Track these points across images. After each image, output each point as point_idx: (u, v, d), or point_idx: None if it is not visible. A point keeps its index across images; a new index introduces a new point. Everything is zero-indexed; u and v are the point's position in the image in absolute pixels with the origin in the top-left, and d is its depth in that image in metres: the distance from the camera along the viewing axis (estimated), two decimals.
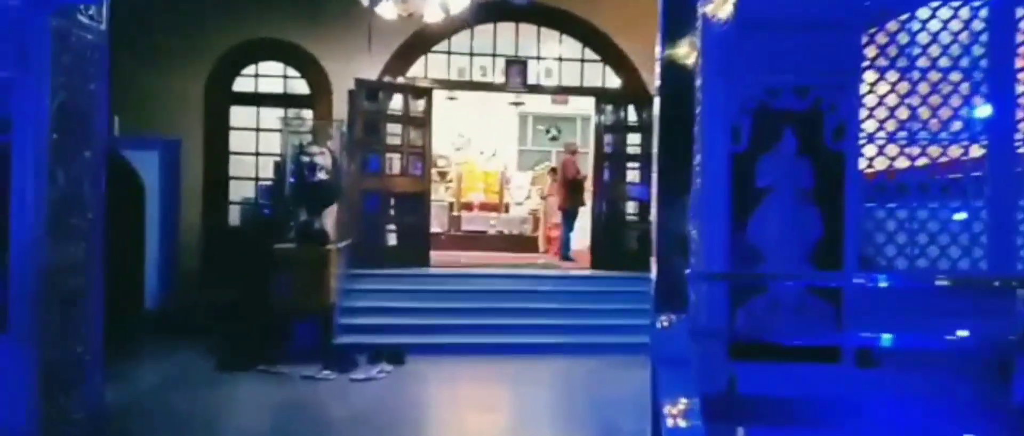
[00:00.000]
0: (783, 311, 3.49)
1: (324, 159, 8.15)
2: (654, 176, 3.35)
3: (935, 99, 3.51)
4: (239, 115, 10.16)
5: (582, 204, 11.12)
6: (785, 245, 3.37)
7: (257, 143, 10.17)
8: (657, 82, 3.09)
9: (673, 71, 2.74)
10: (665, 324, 3.16)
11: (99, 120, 4.71)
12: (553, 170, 13.12)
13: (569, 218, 11.32)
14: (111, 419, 4.96)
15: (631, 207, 10.50)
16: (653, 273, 3.15)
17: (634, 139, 10.35)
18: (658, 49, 2.81)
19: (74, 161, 4.40)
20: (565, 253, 11.17)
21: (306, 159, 8.11)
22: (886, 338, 2.57)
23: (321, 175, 8.06)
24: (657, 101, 3.44)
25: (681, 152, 3.09)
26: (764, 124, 3.28)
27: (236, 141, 10.13)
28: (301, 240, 7.94)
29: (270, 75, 10.24)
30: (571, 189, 11.18)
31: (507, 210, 14.86)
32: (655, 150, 3.18)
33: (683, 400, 2.87)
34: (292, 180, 8.44)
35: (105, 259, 4.95)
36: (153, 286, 9.23)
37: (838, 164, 3.36)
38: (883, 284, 2.97)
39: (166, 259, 9.59)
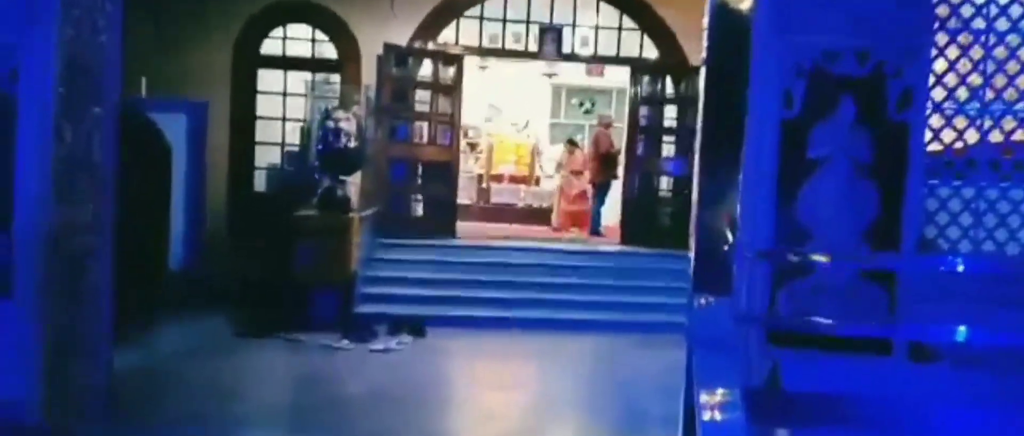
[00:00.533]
0: (829, 295, 3.19)
1: (349, 125, 7.95)
2: (697, 146, 3.06)
3: (1013, 66, 3.15)
4: (266, 79, 9.98)
5: (615, 177, 10.81)
6: (837, 223, 3.06)
7: (284, 108, 9.97)
8: (705, 36, 2.78)
9: (723, 23, 2.44)
10: (704, 305, 2.89)
11: (111, 74, 4.50)
12: (571, 142, 12.69)
13: (601, 192, 11.02)
14: (120, 386, 4.82)
15: (665, 182, 10.15)
16: (692, 250, 2.86)
17: (670, 112, 9.98)
18: None
19: (83, 117, 4.20)
20: (595, 228, 10.89)
21: (331, 125, 7.91)
22: (961, 330, 2.27)
23: (346, 141, 7.86)
24: (703, 66, 3.14)
25: (727, 119, 2.78)
26: (819, 89, 2.96)
27: (263, 105, 9.94)
28: (323, 207, 7.76)
29: (298, 38, 10.02)
30: (604, 163, 10.86)
31: (538, 183, 14.57)
32: (700, 116, 2.87)
33: (721, 390, 2.60)
34: (319, 147, 8.23)
35: (128, 221, 4.78)
36: (178, 250, 9.13)
37: (900, 136, 3.03)
38: (958, 267, 2.64)
39: (192, 223, 9.45)
